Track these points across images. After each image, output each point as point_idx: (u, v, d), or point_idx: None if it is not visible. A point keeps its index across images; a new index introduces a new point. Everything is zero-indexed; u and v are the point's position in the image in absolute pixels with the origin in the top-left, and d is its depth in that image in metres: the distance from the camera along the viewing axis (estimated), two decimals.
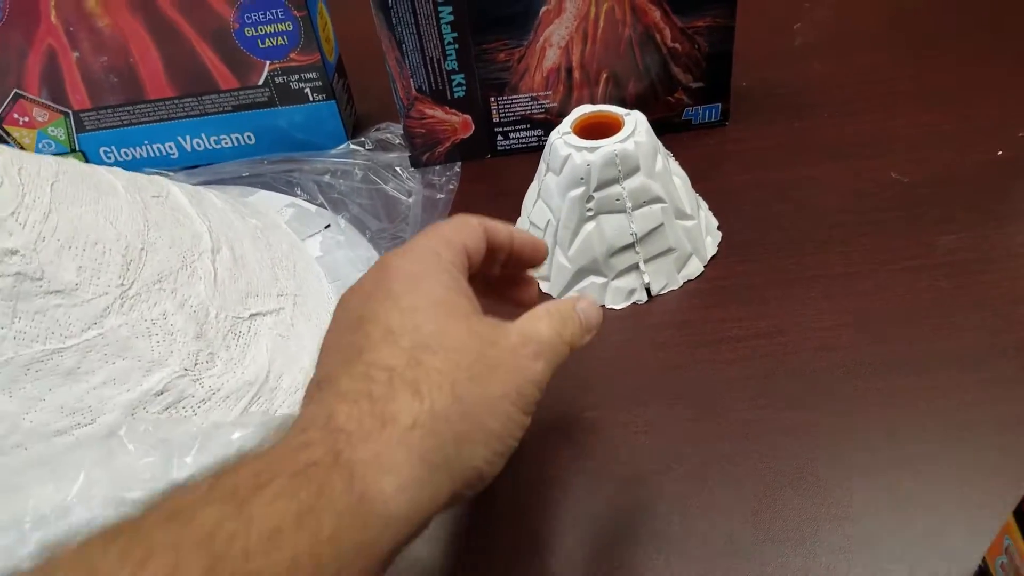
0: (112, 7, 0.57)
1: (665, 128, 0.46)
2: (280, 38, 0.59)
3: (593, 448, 0.40)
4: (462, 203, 0.59)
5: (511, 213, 0.53)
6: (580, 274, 0.48)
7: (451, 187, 0.60)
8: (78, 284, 0.40)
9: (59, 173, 0.42)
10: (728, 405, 0.41)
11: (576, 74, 0.57)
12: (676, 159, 0.51)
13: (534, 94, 0.59)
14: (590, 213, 0.46)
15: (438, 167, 0.62)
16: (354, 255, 0.55)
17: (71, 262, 0.39)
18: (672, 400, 0.42)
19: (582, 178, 0.45)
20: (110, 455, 0.35)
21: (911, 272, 0.47)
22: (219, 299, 0.45)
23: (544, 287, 0.49)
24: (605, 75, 0.58)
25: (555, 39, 0.56)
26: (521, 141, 0.62)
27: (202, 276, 0.45)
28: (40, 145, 0.64)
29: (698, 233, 0.49)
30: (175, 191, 0.50)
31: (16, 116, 0.62)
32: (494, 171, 0.62)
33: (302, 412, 0.26)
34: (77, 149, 0.64)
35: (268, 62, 0.60)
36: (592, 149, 0.45)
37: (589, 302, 0.33)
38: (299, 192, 0.62)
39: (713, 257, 0.50)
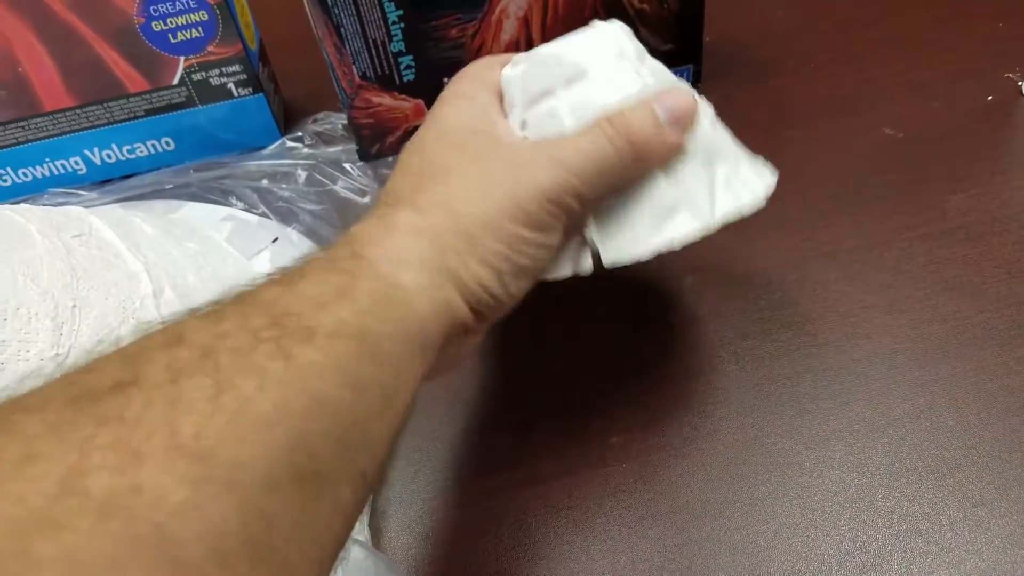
0: None
1: None
2: (194, 30, 0.51)
3: (627, 480, 0.36)
4: None
5: None
6: None
7: None
8: (3, 364, 0.33)
9: None
10: (770, 411, 0.37)
11: None
12: None
13: None
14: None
15: (391, 159, 0.56)
16: None
17: None
18: (701, 413, 0.38)
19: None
20: None
21: (928, 239, 0.44)
22: None
23: None
24: None
25: (512, 9, 0.50)
26: None
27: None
28: None
29: (695, 179, 0.31)
30: (99, 225, 0.43)
31: None
32: None
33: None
34: None
35: (183, 58, 0.52)
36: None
37: (682, 90, 0.31)
38: (235, 201, 0.54)
39: None
